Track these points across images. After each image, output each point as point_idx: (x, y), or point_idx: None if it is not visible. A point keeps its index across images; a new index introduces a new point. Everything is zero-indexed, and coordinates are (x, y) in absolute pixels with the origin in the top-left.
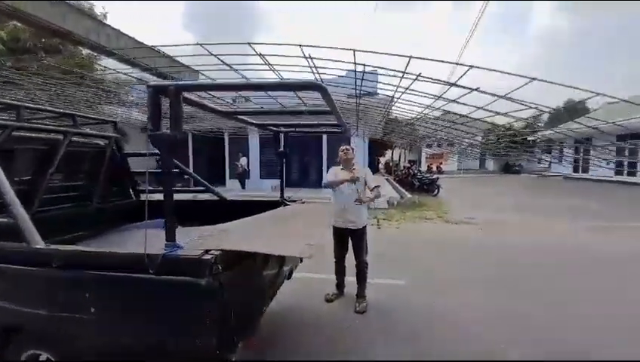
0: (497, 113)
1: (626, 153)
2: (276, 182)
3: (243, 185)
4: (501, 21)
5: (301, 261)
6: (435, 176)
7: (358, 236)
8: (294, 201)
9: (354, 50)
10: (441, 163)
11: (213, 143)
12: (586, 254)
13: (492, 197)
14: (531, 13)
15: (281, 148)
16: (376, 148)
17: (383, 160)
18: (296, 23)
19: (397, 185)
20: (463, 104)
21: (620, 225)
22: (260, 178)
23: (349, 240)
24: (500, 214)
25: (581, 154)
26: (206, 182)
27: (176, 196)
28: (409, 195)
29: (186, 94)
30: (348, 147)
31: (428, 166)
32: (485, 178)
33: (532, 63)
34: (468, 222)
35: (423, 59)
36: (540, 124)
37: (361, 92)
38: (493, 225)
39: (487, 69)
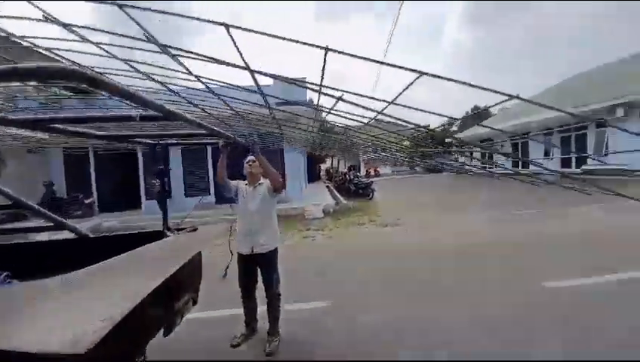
0: (416, 126)
1: (519, 149)
2: (204, 198)
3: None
4: (418, 35)
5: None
6: (369, 180)
7: (267, 261)
8: (182, 229)
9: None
10: (377, 167)
11: (123, 159)
12: (493, 246)
13: (418, 195)
14: (444, 28)
15: (163, 164)
16: (317, 155)
17: (324, 167)
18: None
19: (335, 191)
20: (388, 115)
21: (525, 211)
22: (186, 196)
23: (257, 267)
24: (424, 212)
25: (487, 153)
26: (55, 216)
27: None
28: (344, 201)
29: None
30: (254, 159)
31: (366, 170)
32: (415, 178)
33: (445, 72)
34: (397, 224)
35: (344, 53)
36: (454, 128)
37: (286, 101)
38: (418, 225)
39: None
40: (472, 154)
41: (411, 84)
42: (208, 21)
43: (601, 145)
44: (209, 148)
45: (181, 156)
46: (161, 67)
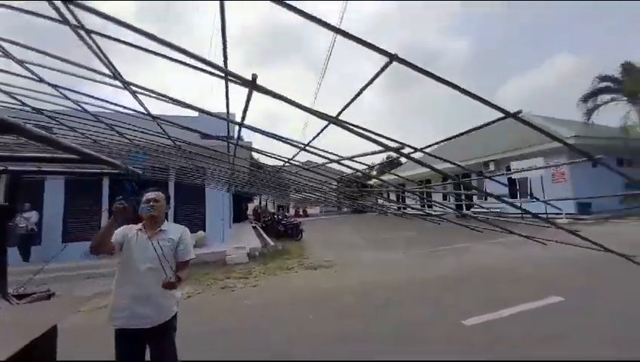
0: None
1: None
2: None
3: (26, 256)
4: (341, 94)
5: None
6: (298, 221)
7: (161, 335)
8: (27, 296)
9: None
10: (306, 207)
11: None
12: (424, 281)
13: (344, 235)
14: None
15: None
16: (245, 193)
17: (252, 206)
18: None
19: (262, 232)
20: (314, 163)
21: (440, 248)
22: (64, 240)
23: (145, 347)
24: (351, 252)
25: (400, 196)
26: None
27: None
28: (272, 243)
29: None
30: (154, 196)
31: (295, 210)
32: (341, 218)
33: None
34: (326, 266)
35: (269, 93)
36: (373, 173)
37: (206, 135)
38: (346, 265)
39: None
40: (389, 195)
41: (322, 130)
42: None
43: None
44: (105, 181)
45: (64, 189)
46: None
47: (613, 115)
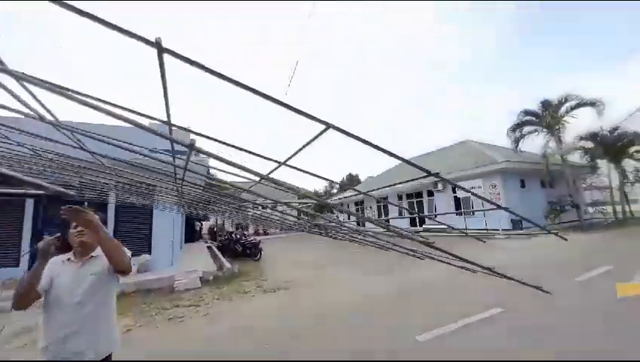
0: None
1: (382, 210)
2: (8, 272)
3: None
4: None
5: None
6: (257, 240)
7: None
8: None
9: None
10: (266, 226)
11: None
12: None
13: (303, 253)
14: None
15: None
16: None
17: (207, 224)
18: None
19: (218, 252)
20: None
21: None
22: None
23: None
24: (309, 271)
25: (359, 212)
26: None
27: None
28: (228, 265)
29: None
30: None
31: (255, 229)
32: (300, 235)
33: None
34: (284, 287)
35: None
36: (334, 191)
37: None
38: (304, 285)
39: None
40: (349, 216)
41: (274, 170)
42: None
43: (432, 210)
44: (29, 203)
45: None
46: None
47: (536, 143)
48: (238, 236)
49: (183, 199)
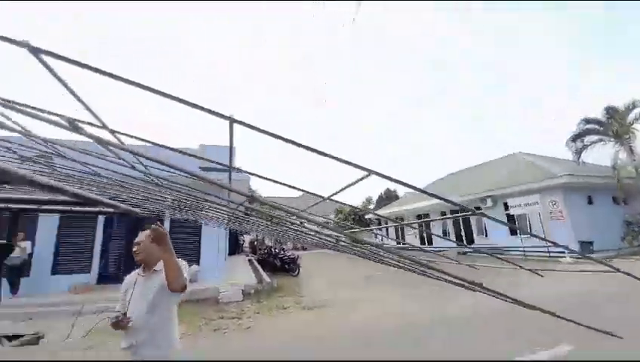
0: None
1: (423, 226)
2: (80, 278)
3: (15, 288)
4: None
5: None
6: (296, 255)
7: None
8: (17, 337)
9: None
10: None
11: None
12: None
13: (341, 270)
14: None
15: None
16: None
17: (248, 238)
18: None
19: (259, 266)
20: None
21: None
22: (53, 273)
23: None
24: (349, 289)
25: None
26: None
27: None
28: (268, 279)
29: None
30: (137, 240)
31: (294, 245)
32: (334, 253)
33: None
34: (323, 306)
35: (251, 127)
36: (370, 206)
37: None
38: (345, 305)
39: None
40: (387, 231)
41: (316, 203)
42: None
43: (482, 228)
44: (100, 218)
45: (58, 221)
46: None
47: (601, 154)
48: (277, 251)
49: (230, 217)
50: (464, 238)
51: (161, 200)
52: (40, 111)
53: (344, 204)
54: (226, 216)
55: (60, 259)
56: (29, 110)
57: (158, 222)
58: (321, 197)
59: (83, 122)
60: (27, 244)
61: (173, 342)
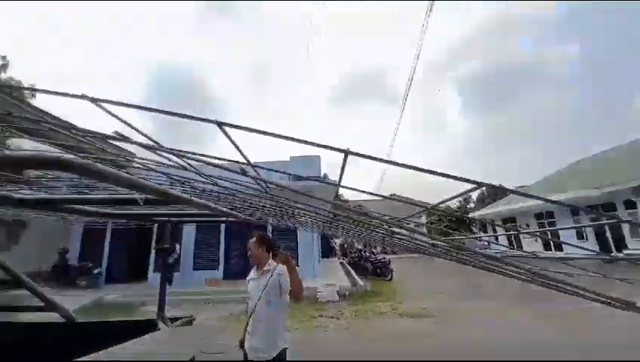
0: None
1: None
2: (211, 273)
3: (170, 281)
4: (423, 119)
5: None
6: (387, 259)
7: None
8: (177, 319)
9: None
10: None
11: (137, 231)
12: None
13: (435, 277)
14: (446, 111)
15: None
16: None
17: (338, 241)
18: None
19: (351, 269)
20: (402, 199)
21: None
22: (193, 269)
23: None
24: (449, 298)
25: (511, 231)
26: (49, 296)
27: None
28: (361, 283)
29: None
30: (248, 245)
31: (383, 248)
32: (426, 257)
33: (448, 158)
34: (422, 314)
35: (364, 156)
36: (470, 205)
37: (299, 177)
38: (447, 315)
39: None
40: (495, 232)
41: (468, 192)
42: (199, 119)
43: (636, 228)
44: (222, 225)
45: (195, 228)
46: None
47: None
48: (367, 254)
49: (324, 224)
50: (611, 243)
51: (268, 208)
52: (217, 158)
53: (444, 211)
54: (321, 224)
55: (197, 258)
56: (214, 161)
57: (282, 249)
58: (424, 206)
59: (242, 163)
60: (176, 246)
61: (283, 335)
